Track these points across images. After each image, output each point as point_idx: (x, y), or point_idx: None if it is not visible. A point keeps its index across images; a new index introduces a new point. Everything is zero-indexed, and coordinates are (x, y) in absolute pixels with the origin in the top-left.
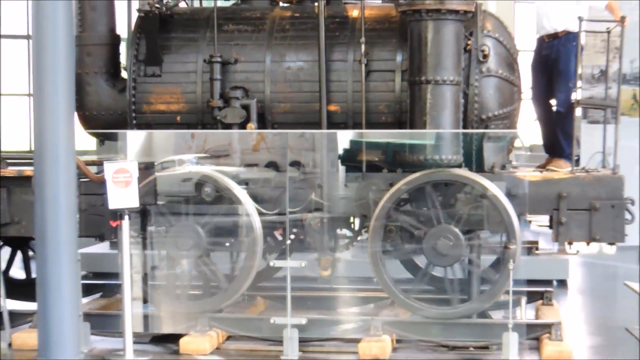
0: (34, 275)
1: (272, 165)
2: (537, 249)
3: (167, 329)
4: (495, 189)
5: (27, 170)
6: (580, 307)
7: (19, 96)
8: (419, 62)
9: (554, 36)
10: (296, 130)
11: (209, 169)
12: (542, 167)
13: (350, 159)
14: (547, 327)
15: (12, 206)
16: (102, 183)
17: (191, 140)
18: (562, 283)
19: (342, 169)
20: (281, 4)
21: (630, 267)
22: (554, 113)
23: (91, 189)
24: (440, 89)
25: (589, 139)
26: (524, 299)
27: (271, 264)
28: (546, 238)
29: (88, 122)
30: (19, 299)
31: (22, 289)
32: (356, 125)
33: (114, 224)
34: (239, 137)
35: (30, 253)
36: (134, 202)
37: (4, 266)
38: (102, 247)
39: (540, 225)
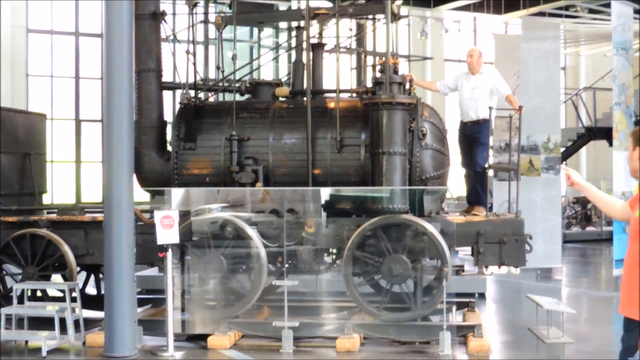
0: (102, 291)
1: (274, 212)
2: (463, 270)
3: (198, 330)
4: (432, 229)
5: (99, 216)
6: (495, 313)
7: (94, 163)
8: (377, 139)
9: (476, 122)
10: (291, 188)
11: (229, 215)
12: (465, 212)
13: (330, 207)
14: (472, 328)
15: (88, 242)
16: (152, 225)
17: (217, 194)
18: (482, 295)
19: (324, 214)
20: (280, 98)
21: (530, 284)
22: (474, 173)
23: (145, 229)
24: (392, 158)
25: (499, 192)
26: (454, 307)
27: (273, 283)
28: (469, 263)
29: (143, 182)
30: (91, 309)
31: (94, 302)
32: (333, 184)
33: (161, 255)
34: (250, 192)
35: (100, 275)
36: (175, 239)
37: (81, 285)
38: (152, 271)
39: (465, 254)
